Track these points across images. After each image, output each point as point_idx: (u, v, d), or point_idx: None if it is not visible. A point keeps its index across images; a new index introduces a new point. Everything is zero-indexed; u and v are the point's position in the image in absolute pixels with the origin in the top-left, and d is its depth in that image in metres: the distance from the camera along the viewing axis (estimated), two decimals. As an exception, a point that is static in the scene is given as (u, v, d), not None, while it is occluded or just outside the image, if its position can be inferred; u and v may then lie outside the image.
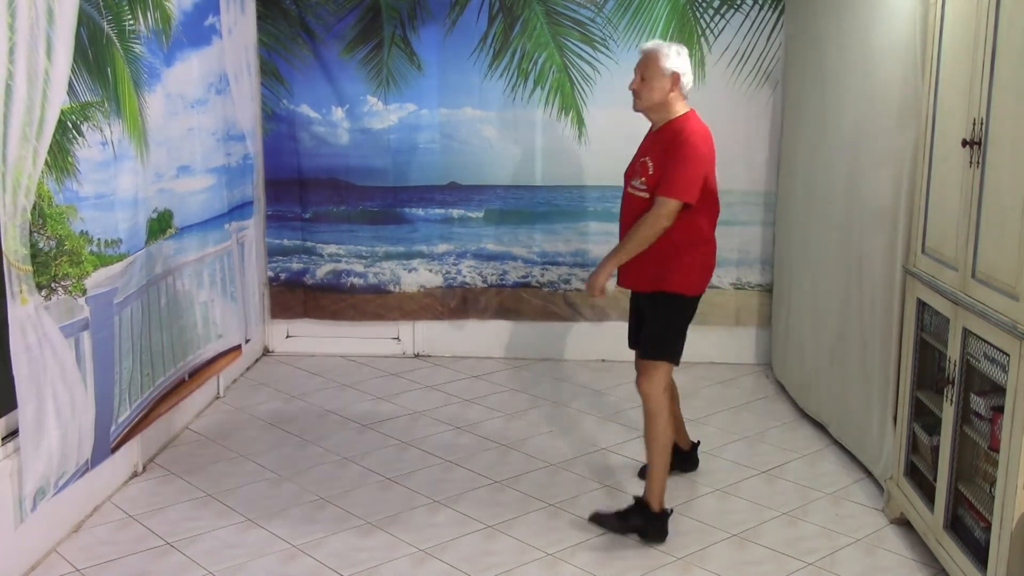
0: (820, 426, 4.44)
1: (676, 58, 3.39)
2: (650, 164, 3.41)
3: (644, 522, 3.41)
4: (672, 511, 3.46)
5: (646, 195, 3.39)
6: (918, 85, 3.38)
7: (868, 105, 3.79)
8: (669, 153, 3.35)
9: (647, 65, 3.41)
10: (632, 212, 3.45)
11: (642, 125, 5.29)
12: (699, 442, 4.08)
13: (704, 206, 3.40)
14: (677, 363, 3.49)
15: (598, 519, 3.50)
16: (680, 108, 3.44)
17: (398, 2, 5.28)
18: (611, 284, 3.55)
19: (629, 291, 3.65)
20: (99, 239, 3.24)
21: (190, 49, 4.19)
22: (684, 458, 3.98)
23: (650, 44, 3.46)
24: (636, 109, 3.53)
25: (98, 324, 3.26)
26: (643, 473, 3.78)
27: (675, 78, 3.39)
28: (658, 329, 3.47)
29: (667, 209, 3.31)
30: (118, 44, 3.43)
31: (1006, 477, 2.60)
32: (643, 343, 3.52)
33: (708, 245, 3.49)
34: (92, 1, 3.21)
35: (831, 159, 4.17)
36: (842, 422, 4.15)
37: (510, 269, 5.55)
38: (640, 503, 3.46)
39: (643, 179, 3.41)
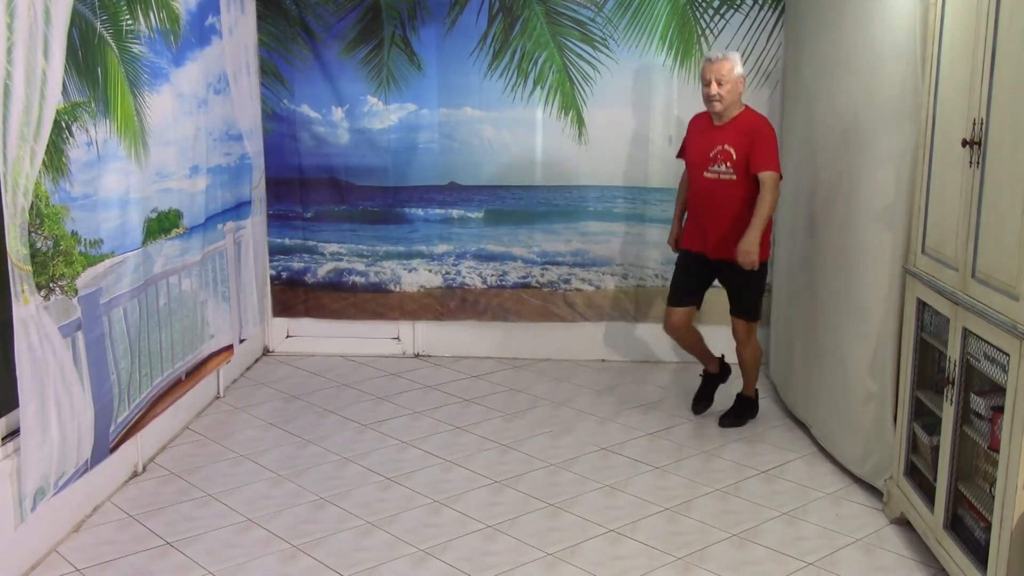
0: (820, 426, 4.45)
1: (742, 64, 4.19)
2: (733, 152, 4.15)
3: (751, 409, 4.61)
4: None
5: (733, 177, 4.17)
6: (918, 85, 3.38)
7: (868, 105, 3.79)
8: (757, 139, 4.12)
9: (725, 71, 4.12)
10: (719, 193, 4.22)
11: (642, 125, 5.31)
12: (723, 355, 4.71)
13: None
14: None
15: (728, 422, 4.53)
16: (741, 103, 4.24)
17: (398, 2, 5.28)
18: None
19: (676, 255, 4.57)
20: (85, 239, 3.24)
21: (198, 49, 4.20)
22: (720, 378, 4.69)
23: (723, 53, 4.17)
24: (716, 110, 4.19)
25: (88, 324, 3.26)
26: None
27: (743, 80, 4.21)
28: (754, 293, 4.35)
29: (774, 181, 4.12)
30: (113, 44, 3.42)
31: (1006, 477, 2.60)
32: (740, 307, 4.38)
33: None
34: (87, 1, 3.21)
35: (831, 159, 4.17)
36: (829, 423, 4.15)
37: (510, 269, 5.55)
38: (743, 399, 4.60)
39: (728, 164, 4.17)
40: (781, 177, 4.19)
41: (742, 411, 4.58)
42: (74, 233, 3.16)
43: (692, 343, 4.59)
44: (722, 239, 4.24)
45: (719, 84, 4.12)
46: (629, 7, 5.23)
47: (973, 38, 2.84)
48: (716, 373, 4.70)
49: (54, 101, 2.98)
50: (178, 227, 4.04)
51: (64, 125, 3.07)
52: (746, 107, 4.24)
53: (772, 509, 3.65)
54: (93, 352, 3.30)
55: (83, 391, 3.24)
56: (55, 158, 3.01)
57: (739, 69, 4.15)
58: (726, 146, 4.17)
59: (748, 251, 4.10)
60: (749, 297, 4.35)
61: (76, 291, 3.17)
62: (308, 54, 5.38)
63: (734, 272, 4.25)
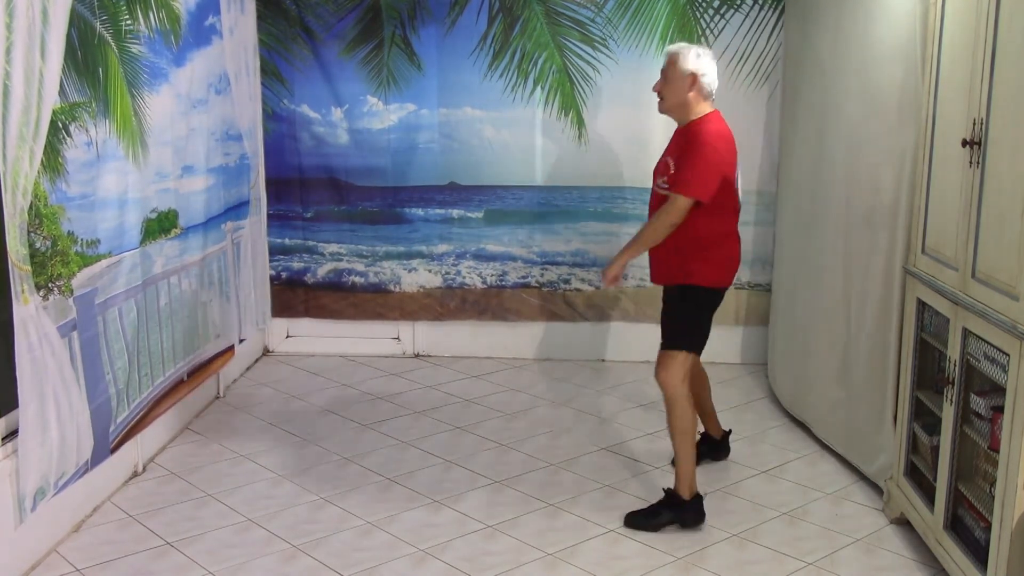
0: (820, 426, 4.45)
1: (695, 60, 3.48)
2: (671, 163, 3.51)
3: (676, 513, 3.50)
4: (704, 494, 3.59)
5: (668, 193, 3.52)
6: (918, 85, 3.38)
7: (868, 105, 3.79)
8: (686, 152, 3.45)
9: (668, 67, 3.53)
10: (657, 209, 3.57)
11: (642, 125, 5.31)
12: (731, 430, 4.17)
13: (727, 202, 3.54)
14: (697, 352, 3.58)
15: (632, 523, 3.52)
16: (702, 109, 3.53)
17: (398, 2, 5.28)
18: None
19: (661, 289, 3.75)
20: (81, 239, 3.24)
21: (196, 49, 4.20)
22: (716, 447, 4.09)
23: (673, 46, 3.58)
24: (660, 110, 3.63)
25: (83, 324, 3.26)
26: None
27: (692, 79, 3.48)
28: (677, 319, 3.60)
29: (678, 205, 3.42)
30: (113, 44, 3.43)
31: (1006, 477, 2.59)
32: (663, 333, 3.62)
33: (731, 239, 3.64)
34: (86, 1, 3.21)
35: (831, 159, 4.17)
36: (833, 423, 4.15)
37: (510, 269, 5.55)
38: (669, 495, 3.54)
39: (666, 178, 3.53)
40: (701, 203, 3.41)
41: (659, 510, 3.53)
42: (70, 233, 3.16)
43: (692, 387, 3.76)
44: (659, 261, 3.64)
45: (662, 82, 3.54)
46: (629, 7, 5.23)
47: (973, 38, 2.84)
48: (714, 438, 4.07)
49: (51, 101, 2.98)
50: (176, 227, 4.05)
51: (61, 125, 3.07)
52: (708, 113, 3.51)
53: (772, 509, 3.65)
54: (89, 352, 3.29)
55: (80, 391, 3.24)
56: (51, 158, 3.01)
57: (689, 65, 3.46)
58: (668, 157, 3.56)
59: (605, 269, 3.56)
60: (673, 321, 3.59)
61: (72, 291, 3.17)
62: (308, 54, 5.38)
63: (669, 298, 3.65)
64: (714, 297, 3.60)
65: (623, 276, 3.68)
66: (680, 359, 3.50)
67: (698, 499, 3.52)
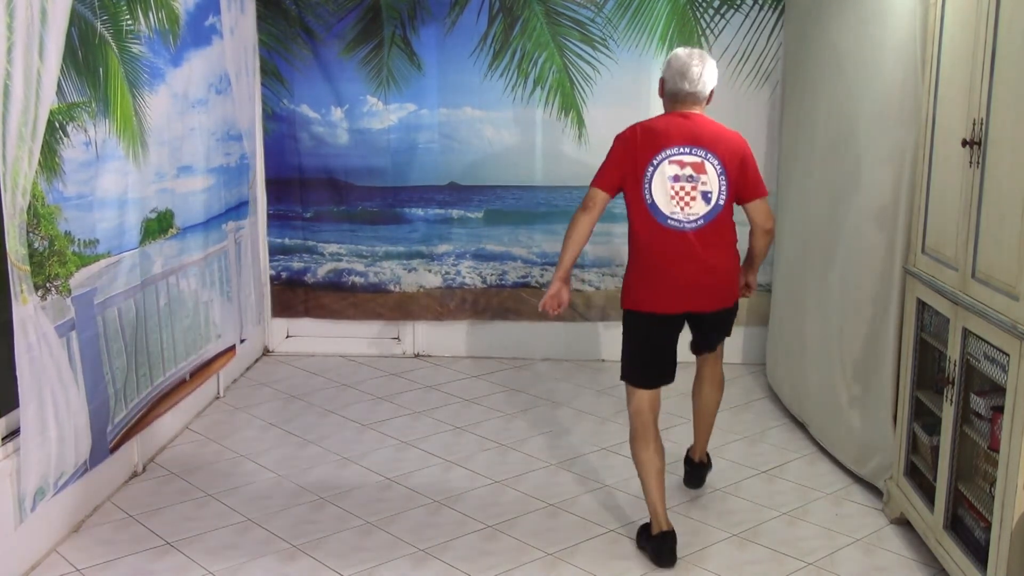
0: (820, 426, 4.45)
1: (664, 65, 3.38)
2: None
3: (642, 544, 3.33)
4: (668, 533, 3.22)
5: None
6: (918, 85, 3.38)
7: (868, 105, 3.79)
8: None
9: None
10: None
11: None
12: (710, 464, 3.82)
13: (633, 210, 3.31)
14: (635, 384, 3.27)
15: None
16: (665, 110, 3.41)
17: (398, 2, 5.28)
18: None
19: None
20: (79, 239, 3.24)
21: (194, 49, 4.20)
22: (690, 470, 3.81)
23: None
24: None
25: (82, 324, 3.26)
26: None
27: (660, 83, 3.41)
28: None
29: (587, 195, 3.42)
30: (113, 44, 3.43)
31: (1006, 477, 2.59)
32: None
33: (645, 255, 3.26)
34: (87, 1, 3.21)
35: (831, 159, 4.17)
36: (831, 423, 4.14)
37: (510, 269, 5.55)
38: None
39: None
40: (605, 192, 3.39)
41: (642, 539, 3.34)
42: (67, 233, 3.16)
43: (698, 388, 3.73)
44: None
45: None
46: (629, 7, 5.23)
47: (973, 38, 2.84)
48: (692, 459, 3.83)
49: (48, 101, 2.98)
50: (172, 227, 4.04)
51: (58, 125, 3.06)
52: (662, 114, 3.41)
53: (772, 509, 3.65)
54: (87, 352, 3.30)
55: (79, 391, 3.24)
56: (48, 158, 3.01)
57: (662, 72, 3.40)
58: None
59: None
60: None
61: (70, 291, 3.17)
62: (308, 54, 5.38)
63: None
64: (636, 323, 3.29)
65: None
66: (627, 389, 3.32)
67: (661, 537, 3.19)
